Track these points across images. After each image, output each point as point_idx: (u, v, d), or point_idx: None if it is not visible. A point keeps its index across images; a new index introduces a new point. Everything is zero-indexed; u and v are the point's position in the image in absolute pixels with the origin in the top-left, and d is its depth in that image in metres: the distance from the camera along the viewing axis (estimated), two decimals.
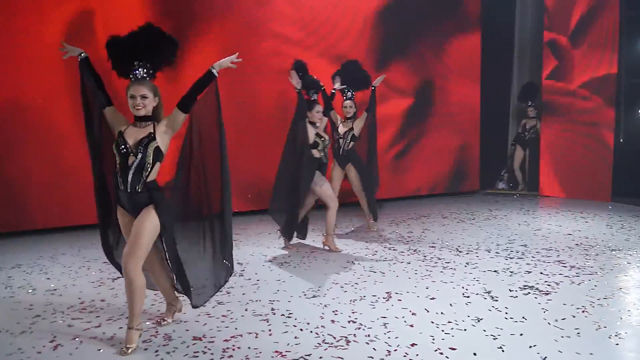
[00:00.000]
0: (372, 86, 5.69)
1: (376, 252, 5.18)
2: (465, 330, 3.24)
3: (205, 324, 3.42)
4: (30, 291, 4.18)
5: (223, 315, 3.56)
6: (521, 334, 3.16)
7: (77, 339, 3.20)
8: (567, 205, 7.65)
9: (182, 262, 3.22)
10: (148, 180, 3.01)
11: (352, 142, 5.65)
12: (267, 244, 5.59)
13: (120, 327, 3.31)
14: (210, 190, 3.28)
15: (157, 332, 3.31)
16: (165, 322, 3.41)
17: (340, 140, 5.66)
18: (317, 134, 5.10)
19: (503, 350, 2.95)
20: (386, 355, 2.92)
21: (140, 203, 3.02)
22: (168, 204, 3.10)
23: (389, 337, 3.15)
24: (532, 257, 4.87)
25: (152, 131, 3.01)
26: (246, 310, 3.66)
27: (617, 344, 3.03)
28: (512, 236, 5.74)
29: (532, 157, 8.63)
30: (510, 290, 3.95)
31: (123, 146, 2.97)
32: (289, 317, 3.52)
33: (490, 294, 3.87)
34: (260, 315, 3.56)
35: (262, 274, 4.53)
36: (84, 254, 5.20)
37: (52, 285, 4.28)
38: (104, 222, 3.30)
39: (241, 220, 6.78)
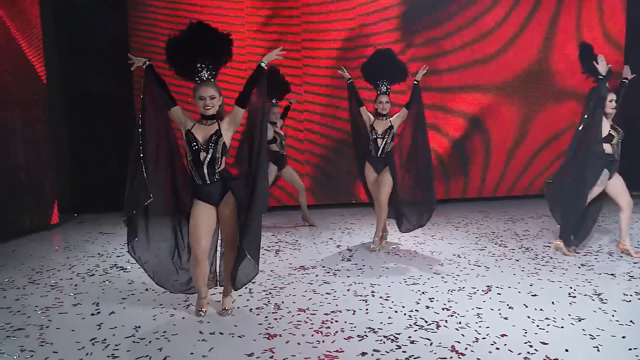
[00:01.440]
0: (415, 80, 4.98)
1: (485, 247, 5.16)
2: (562, 327, 3.20)
3: (310, 299, 3.80)
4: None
5: (327, 293, 3.92)
6: (623, 337, 3.04)
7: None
8: None
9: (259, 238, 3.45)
10: (220, 170, 3.35)
11: (391, 143, 5.01)
12: None
13: (240, 296, 3.83)
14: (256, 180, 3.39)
15: (268, 301, 3.77)
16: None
17: (379, 140, 4.97)
18: (612, 126, 4.61)
19: (598, 350, 2.88)
20: (473, 342, 3.03)
21: (218, 192, 3.37)
22: (238, 184, 3.39)
23: (479, 326, 3.24)
24: None
25: (218, 128, 3.32)
26: (348, 290, 3.98)
27: None
28: None
29: None
30: (624, 295, 3.74)
31: (195, 143, 3.29)
32: (386, 299, 3.76)
33: (599, 296, 3.71)
34: (360, 295, 3.85)
35: (368, 260, 4.81)
36: None
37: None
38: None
39: (358, 211, 7.12)
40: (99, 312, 3.62)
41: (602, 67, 4.44)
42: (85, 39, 6.78)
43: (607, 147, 4.62)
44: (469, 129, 7.66)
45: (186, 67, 3.31)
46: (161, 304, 3.76)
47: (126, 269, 4.67)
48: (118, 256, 5.10)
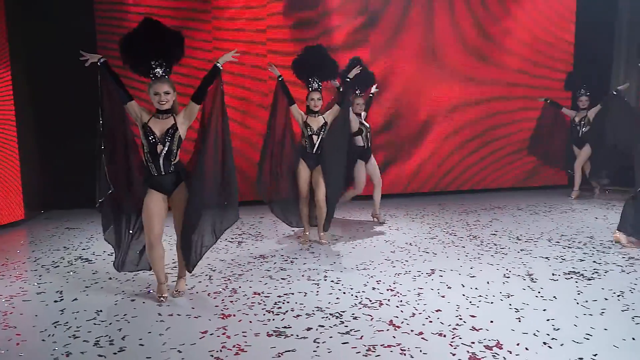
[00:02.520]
0: (348, 78, 5.17)
1: (436, 236, 5.48)
2: (491, 303, 3.52)
3: (266, 284, 4.04)
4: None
5: (282, 278, 4.17)
6: (544, 310, 3.37)
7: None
8: None
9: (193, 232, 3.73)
10: (175, 162, 3.58)
11: (324, 139, 5.12)
12: (340, 226, 6.09)
13: (199, 282, 4.04)
14: (222, 176, 3.73)
15: (226, 286, 3.99)
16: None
17: (314, 137, 5.07)
18: None
19: (520, 321, 3.20)
20: (410, 317, 3.31)
21: (171, 182, 3.59)
22: (189, 177, 3.63)
23: (418, 303, 3.53)
24: (593, 247, 4.87)
25: (174, 122, 3.54)
26: (302, 275, 4.23)
27: (638, 324, 3.13)
28: (582, 228, 5.69)
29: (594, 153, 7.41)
30: (552, 275, 4.09)
31: (152, 137, 3.49)
32: (337, 283, 4.02)
33: (531, 277, 4.05)
34: (313, 280, 4.11)
35: (326, 249, 5.07)
36: None
37: None
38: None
39: None
40: (62, 300, 3.79)
41: None
42: (52, 39, 6.85)
43: None
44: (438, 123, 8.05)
45: (141, 64, 3.50)
46: (123, 291, 3.95)
47: (91, 260, 4.83)
48: (84, 249, 5.25)
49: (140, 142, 3.62)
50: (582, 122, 7.49)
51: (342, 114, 5.17)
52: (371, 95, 6.17)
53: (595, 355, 2.73)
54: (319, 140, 5.11)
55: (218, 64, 3.66)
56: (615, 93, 7.25)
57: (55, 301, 3.76)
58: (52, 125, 7.04)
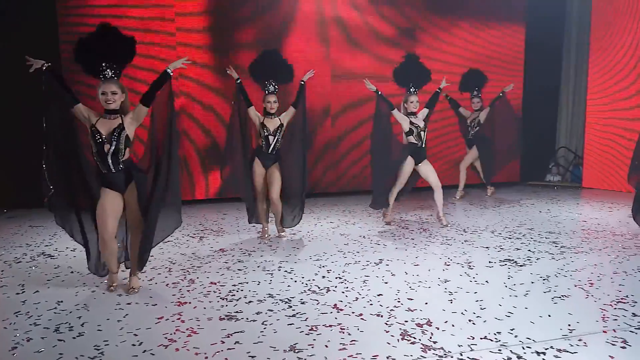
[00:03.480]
0: (302, 81, 5.38)
1: (389, 230, 5.80)
2: (429, 287, 3.83)
3: (222, 274, 4.27)
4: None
5: (239, 269, 4.40)
6: (475, 292, 3.69)
7: (126, 280, 4.17)
8: (606, 197, 7.72)
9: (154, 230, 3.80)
10: (123, 159, 3.73)
11: (281, 140, 5.35)
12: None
13: (159, 274, 4.24)
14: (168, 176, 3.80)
15: (184, 277, 4.20)
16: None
17: (270, 138, 5.27)
18: None
19: (451, 302, 3.51)
20: (353, 300, 3.59)
21: (122, 179, 3.73)
22: (142, 176, 3.79)
23: (362, 289, 3.82)
24: (531, 237, 5.26)
25: (121, 122, 3.68)
26: (258, 267, 4.47)
27: (556, 303, 3.48)
28: (524, 221, 6.09)
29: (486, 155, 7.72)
30: (489, 262, 4.43)
31: (98, 136, 3.64)
32: (289, 272, 4.28)
33: (469, 264, 4.38)
34: (268, 270, 4.35)
35: (284, 243, 5.32)
36: None
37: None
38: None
39: None
40: (23, 292, 3.93)
41: None
42: (11, 38, 6.90)
43: None
44: None
45: (92, 66, 3.67)
46: (84, 283, 4.12)
47: (53, 256, 4.96)
48: (46, 246, 5.36)
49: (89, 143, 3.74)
50: (473, 124, 7.68)
51: (300, 113, 5.40)
52: (500, 94, 6.79)
53: (512, 329, 3.05)
54: (275, 140, 5.31)
55: (169, 70, 3.81)
56: (502, 95, 7.59)
57: (17, 293, 3.90)
58: (13, 125, 7.08)
